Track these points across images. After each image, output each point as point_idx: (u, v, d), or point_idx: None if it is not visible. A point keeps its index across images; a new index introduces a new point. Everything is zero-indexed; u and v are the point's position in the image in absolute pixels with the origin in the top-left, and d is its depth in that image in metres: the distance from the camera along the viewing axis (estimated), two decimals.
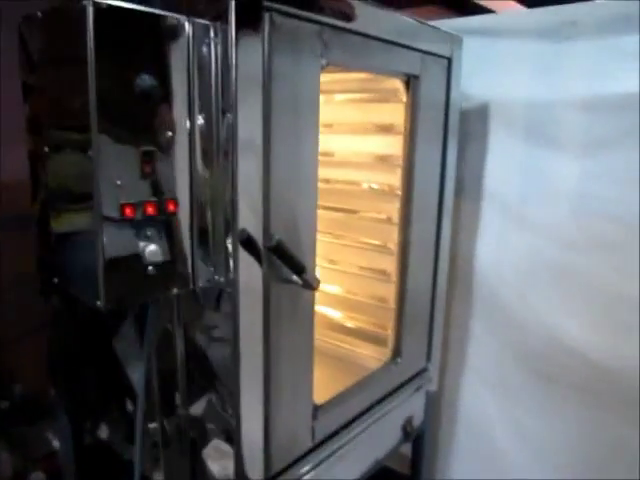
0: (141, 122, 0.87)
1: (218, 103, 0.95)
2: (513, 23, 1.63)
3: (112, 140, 0.84)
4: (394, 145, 1.45)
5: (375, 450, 1.46)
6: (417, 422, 1.61)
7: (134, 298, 0.94)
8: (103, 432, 1.38)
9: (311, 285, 1.07)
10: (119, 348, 1.22)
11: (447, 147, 1.49)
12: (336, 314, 1.73)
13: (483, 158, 1.67)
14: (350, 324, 1.70)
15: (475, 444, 1.82)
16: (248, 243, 1.00)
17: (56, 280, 0.98)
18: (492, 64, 1.62)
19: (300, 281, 1.08)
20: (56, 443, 1.67)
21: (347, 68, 1.20)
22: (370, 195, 1.60)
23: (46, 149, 0.94)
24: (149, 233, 0.91)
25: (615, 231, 1.44)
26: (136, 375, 1.21)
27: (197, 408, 1.12)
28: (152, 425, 1.19)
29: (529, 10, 1.59)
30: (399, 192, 1.45)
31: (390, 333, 1.53)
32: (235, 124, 0.94)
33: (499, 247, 1.68)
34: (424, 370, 1.61)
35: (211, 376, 1.08)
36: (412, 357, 1.55)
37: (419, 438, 1.66)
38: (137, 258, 0.90)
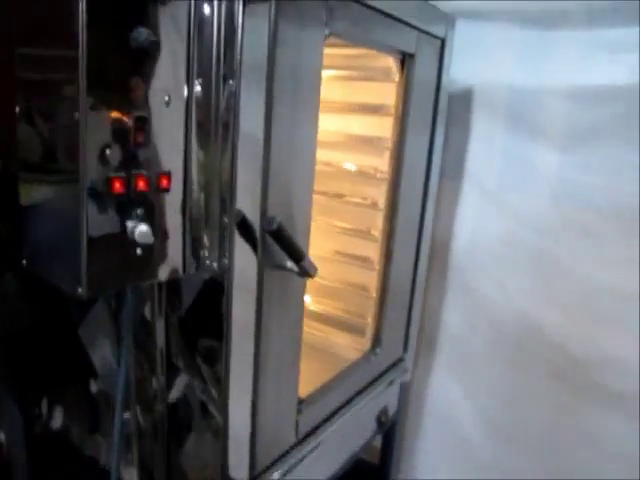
0: (135, 83, 0.76)
1: (219, 68, 0.84)
2: (501, 7, 1.59)
3: (102, 102, 0.73)
4: (382, 126, 1.39)
5: (353, 443, 1.42)
6: (391, 412, 1.58)
7: (119, 284, 0.83)
8: (58, 422, 1.25)
9: (309, 273, 1.00)
10: (85, 333, 1.10)
11: (435, 131, 1.44)
12: (308, 300, 1.66)
13: (463, 142, 1.64)
14: (324, 311, 1.64)
15: (442, 433, 1.81)
16: (243, 226, 0.92)
17: (25, 262, 0.85)
18: (477, 47, 1.58)
19: (297, 268, 1.00)
20: (1, 435, 1.52)
21: (348, 41, 1.12)
22: (352, 178, 1.53)
23: (17, 109, 0.80)
24: (139, 211, 0.80)
25: (596, 220, 1.45)
26: (103, 363, 1.10)
27: (178, 400, 1.02)
28: (125, 415, 1.09)
29: None
30: (386, 176, 1.39)
31: (369, 322, 1.48)
32: (238, 92, 0.84)
33: (476, 232, 1.66)
34: (400, 360, 1.57)
35: (196, 367, 0.99)
36: (390, 347, 1.51)
37: (391, 428, 1.63)
38: (124, 239, 0.79)
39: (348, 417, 1.35)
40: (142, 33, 0.74)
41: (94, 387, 1.17)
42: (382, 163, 1.40)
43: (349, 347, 1.52)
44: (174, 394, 1.02)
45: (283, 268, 1.01)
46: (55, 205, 0.80)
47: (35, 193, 0.83)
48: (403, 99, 1.31)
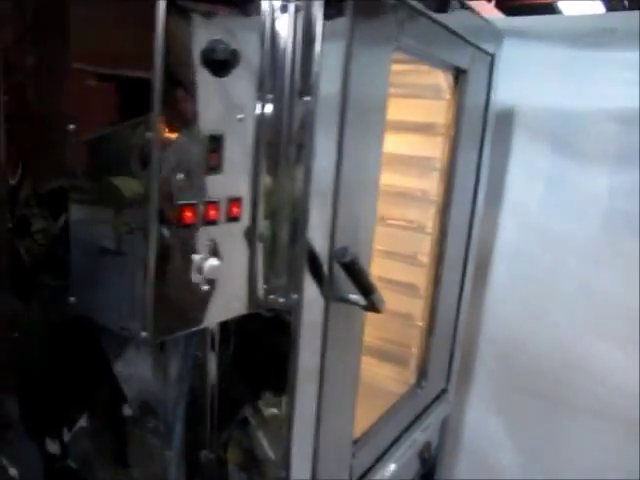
0: (210, 98, 0.67)
1: (294, 84, 0.76)
2: (547, 27, 1.53)
3: (176, 119, 0.64)
4: (430, 146, 1.31)
5: None
6: (433, 448, 1.48)
7: (185, 326, 0.73)
8: (78, 460, 1.14)
9: (378, 308, 0.91)
10: (122, 371, 1.00)
11: (483, 152, 1.37)
12: None
13: (504, 165, 1.57)
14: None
15: (478, 467, 1.72)
16: (310, 257, 0.83)
17: (72, 300, 0.75)
18: (520, 67, 1.51)
19: (364, 302, 0.91)
20: (13, 471, 1.39)
21: (411, 55, 1.04)
22: (394, 199, 1.44)
23: (71, 126, 0.71)
24: (208, 243, 0.71)
25: None
26: (142, 402, 1.00)
27: (233, 449, 0.92)
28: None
29: (565, 15, 1.51)
30: (434, 198, 1.31)
31: (414, 352, 1.39)
32: (314, 110, 0.76)
33: (516, 259, 1.59)
34: (443, 392, 1.48)
35: (253, 413, 0.89)
36: (435, 379, 1.42)
37: (432, 464, 1.53)
38: (191, 275, 0.70)
39: (396, 458, 1.25)
40: (221, 44, 0.66)
41: (125, 422, 1.06)
42: (430, 184, 1.32)
43: (390, 378, 1.43)
44: (226, 442, 0.92)
45: (346, 301, 0.92)
46: (113, 237, 0.71)
47: (89, 221, 0.73)
48: (455, 117, 1.23)
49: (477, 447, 1.71)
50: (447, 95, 1.25)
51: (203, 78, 0.66)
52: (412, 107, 1.37)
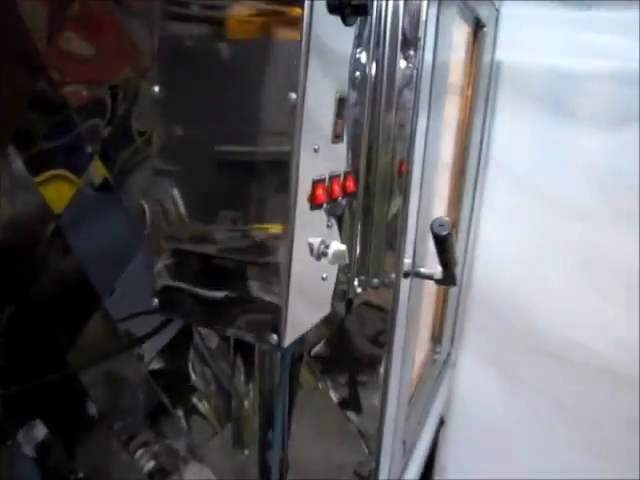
0: (340, 51, 0.56)
1: (396, 35, 0.66)
2: None
3: (319, 77, 0.52)
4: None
5: (421, 458, 1.30)
6: (442, 415, 1.49)
7: (308, 322, 0.63)
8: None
9: (455, 281, 0.86)
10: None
11: (487, 113, 1.35)
12: None
13: (490, 124, 1.56)
14: None
15: (473, 427, 1.75)
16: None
17: (156, 302, 0.61)
18: (512, 26, 1.48)
19: (439, 276, 0.85)
20: None
21: (460, 10, 0.97)
22: None
23: (156, 89, 0.56)
24: (330, 224, 0.61)
25: None
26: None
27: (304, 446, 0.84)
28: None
29: None
30: (447, 161, 1.27)
31: (425, 317, 1.37)
32: (420, 65, 0.67)
33: (507, 221, 1.59)
34: (449, 355, 1.48)
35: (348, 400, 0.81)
36: (445, 343, 1.41)
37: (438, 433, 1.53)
38: (315, 262, 0.59)
39: (425, 432, 1.24)
40: None
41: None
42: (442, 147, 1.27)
43: None
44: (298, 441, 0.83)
45: (420, 276, 0.86)
46: (224, 221, 0.58)
47: (194, 198, 0.59)
48: (473, 76, 1.19)
49: (472, 408, 1.73)
50: (461, 52, 1.20)
51: (335, 27, 0.54)
52: None
